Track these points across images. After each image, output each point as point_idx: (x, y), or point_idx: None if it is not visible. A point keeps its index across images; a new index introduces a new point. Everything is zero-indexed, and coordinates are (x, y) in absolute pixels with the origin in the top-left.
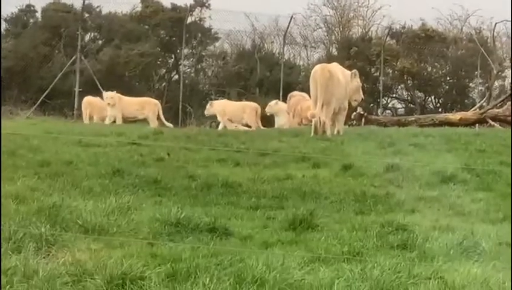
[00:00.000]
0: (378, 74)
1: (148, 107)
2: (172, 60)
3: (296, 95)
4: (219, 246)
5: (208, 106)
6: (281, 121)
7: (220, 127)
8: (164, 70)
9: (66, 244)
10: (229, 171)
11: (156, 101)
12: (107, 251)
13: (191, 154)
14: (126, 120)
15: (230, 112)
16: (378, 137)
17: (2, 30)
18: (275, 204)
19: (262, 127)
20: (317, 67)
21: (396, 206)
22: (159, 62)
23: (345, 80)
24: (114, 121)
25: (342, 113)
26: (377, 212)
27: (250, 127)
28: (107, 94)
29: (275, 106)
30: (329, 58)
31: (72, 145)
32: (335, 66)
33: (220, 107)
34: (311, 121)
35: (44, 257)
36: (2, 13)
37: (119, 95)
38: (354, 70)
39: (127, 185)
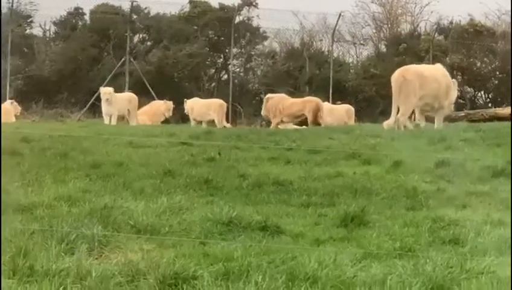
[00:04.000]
0: None
1: (214, 108)
2: (221, 59)
3: (273, 97)
4: (271, 244)
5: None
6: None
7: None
8: (213, 70)
9: (118, 245)
10: (280, 170)
11: (222, 102)
12: (159, 251)
13: (241, 153)
14: (196, 121)
15: (197, 109)
16: (429, 133)
17: (52, 33)
18: (326, 201)
19: (226, 125)
20: (396, 71)
21: (448, 201)
22: (208, 62)
23: (430, 81)
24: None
25: (438, 112)
26: (428, 208)
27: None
28: (104, 90)
29: None
30: (378, 56)
31: (123, 146)
32: (417, 69)
33: (188, 106)
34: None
35: (97, 258)
36: (51, 16)
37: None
38: (453, 80)
39: (178, 185)
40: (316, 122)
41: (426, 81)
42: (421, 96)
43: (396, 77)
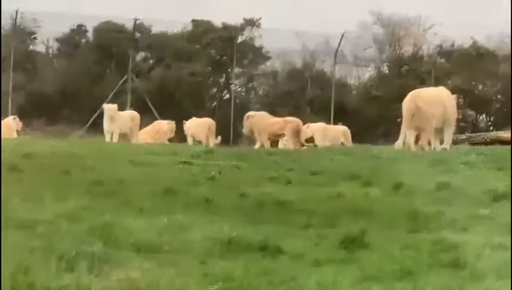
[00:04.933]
0: None
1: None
2: (223, 79)
3: (254, 115)
4: (271, 264)
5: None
6: (317, 141)
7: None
8: (215, 90)
9: (118, 262)
10: (281, 190)
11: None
12: (159, 270)
13: (242, 172)
14: (271, 139)
15: (192, 128)
16: (429, 155)
17: (54, 50)
18: (326, 222)
19: (213, 143)
20: (407, 97)
21: (448, 224)
22: (210, 81)
23: (438, 105)
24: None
25: (447, 132)
26: (428, 230)
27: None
28: (108, 106)
29: (306, 129)
30: (380, 77)
31: (124, 164)
32: (427, 94)
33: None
34: (278, 136)
35: (96, 276)
36: (54, 33)
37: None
38: (455, 95)
39: (179, 203)
40: (299, 143)
41: (435, 105)
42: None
43: (408, 103)
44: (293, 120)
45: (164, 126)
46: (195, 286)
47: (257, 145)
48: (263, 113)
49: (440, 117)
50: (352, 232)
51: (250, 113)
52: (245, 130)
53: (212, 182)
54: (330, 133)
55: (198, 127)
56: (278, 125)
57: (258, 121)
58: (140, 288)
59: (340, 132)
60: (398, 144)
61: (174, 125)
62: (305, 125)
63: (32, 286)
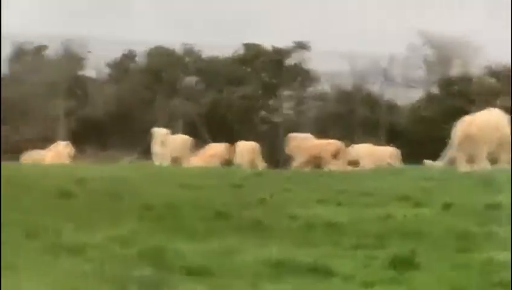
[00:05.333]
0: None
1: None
2: (273, 102)
3: (296, 137)
4: (321, 285)
5: None
6: (362, 163)
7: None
8: (265, 113)
9: (169, 286)
10: (330, 211)
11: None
12: None
13: (292, 195)
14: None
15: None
16: (479, 175)
17: (105, 75)
18: (376, 243)
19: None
20: (458, 123)
21: (498, 244)
22: (260, 104)
23: (492, 130)
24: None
25: (502, 153)
26: (479, 250)
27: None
28: (159, 131)
29: (351, 150)
30: (429, 98)
31: (175, 187)
32: (478, 119)
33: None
34: (318, 159)
35: None
36: (105, 58)
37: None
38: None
39: (229, 226)
40: (338, 165)
41: (488, 131)
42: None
43: (459, 130)
44: (333, 143)
45: (217, 149)
46: None
47: (295, 164)
48: (305, 135)
49: (494, 141)
50: (402, 253)
51: (292, 135)
52: (287, 151)
53: (262, 204)
54: (376, 154)
55: (244, 150)
56: (318, 147)
57: (299, 143)
58: None
59: (386, 153)
60: (436, 164)
61: (228, 149)
62: (350, 146)
63: None
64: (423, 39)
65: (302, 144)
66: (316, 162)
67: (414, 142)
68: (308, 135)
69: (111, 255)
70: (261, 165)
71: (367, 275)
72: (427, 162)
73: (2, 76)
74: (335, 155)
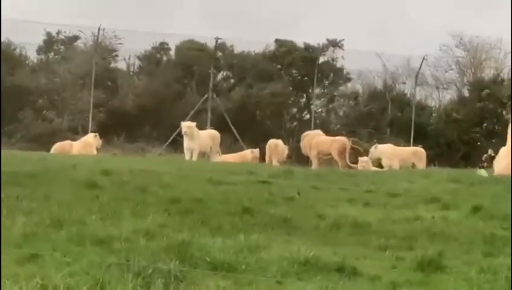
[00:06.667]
0: (510, 116)
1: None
2: (304, 99)
3: (309, 134)
4: (347, 285)
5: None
6: (385, 163)
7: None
8: (296, 110)
9: (194, 281)
10: (359, 211)
11: (344, 141)
12: (235, 289)
13: (321, 193)
14: (320, 157)
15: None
16: (509, 179)
17: (135, 68)
18: (403, 245)
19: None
20: None
21: None
22: (290, 101)
23: None
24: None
25: None
26: (506, 254)
27: None
28: (184, 124)
29: (375, 150)
30: (460, 100)
31: (203, 182)
32: None
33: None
34: (326, 155)
35: None
36: (136, 51)
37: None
38: None
39: (256, 223)
40: (345, 164)
41: None
42: None
43: None
44: (339, 140)
45: (248, 155)
46: None
47: (313, 166)
48: (316, 132)
49: None
50: (430, 255)
51: (305, 133)
52: (303, 150)
53: (290, 202)
54: (399, 155)
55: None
56: (325, 145)
57: (310, 138)
58: None
59: (410, 153)
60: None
61: (258, 154)
62: (373, 146)
63: None
64: (456, 41)
65: (312, 141)
66: (325, 158)
67: (444, 144)
68: (318, 132)
69: (137, 247)
70: (279, 161)
71: (394, 276)
72: (481, 171)
73: (33, 64)
74: (342, 152)
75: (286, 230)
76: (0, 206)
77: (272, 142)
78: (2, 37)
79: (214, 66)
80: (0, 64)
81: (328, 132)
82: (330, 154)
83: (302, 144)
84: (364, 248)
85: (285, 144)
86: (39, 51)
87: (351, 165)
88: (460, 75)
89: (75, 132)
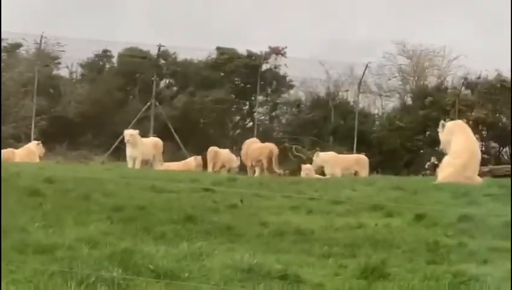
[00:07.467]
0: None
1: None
2: (247, 107)
3: (247, 142)
4: None
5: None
6: (328, 171)
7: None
8: (238, 118)
9: (137, 289)
10: (302, 219)
11: (271, 147)
12: None
13: (264, 201)
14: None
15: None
16: (452, 187)
17: (78, 75)
18: (346, 252)
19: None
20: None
21: (469, 256)
22: (233, 109)
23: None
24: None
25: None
26: (449, 262)
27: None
28: (127, 132)
29: (317, 158)
30: (403, 108)
31: (146, 190)
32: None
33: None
34: (258, 162)
35: None
36: (79, 58)
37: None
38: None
39: (199, 231)
40: (271, 170)
41: None
42: None
43: None
44: (267, 146)
45: (192, 163)
46: None
47: (256, 173)
48: (252, 140)
49: None
50: (373, 263)
51: (246, 141)
52: (242, 158)
53: (233, 210)
54: (342, 162)
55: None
56: (257, 152)
57: (247, 147)
58: None
59: (352, 161)
60: None
61: (201, 162)
62: (315, 154)
63: None
64: (398, 49)
65: (248, 148)
66: (256, 165)
67: (387, 152)
68: (254, 140)
69: (79, 256)
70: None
71: (337, 284)
72: None
73: None
74: (269, 159)
75: (229, 238)
76: (0, 209)
77: (211, 149)
78: None
79: (156, 73)
80: (0, 73)
81: (270, 139)
82: (260, 161)
83: (242, 153)
84: (308, 255)
85: (232, 152)
86: None
87: (277, 171)
88: (403, 83)
89: (18, 140)
